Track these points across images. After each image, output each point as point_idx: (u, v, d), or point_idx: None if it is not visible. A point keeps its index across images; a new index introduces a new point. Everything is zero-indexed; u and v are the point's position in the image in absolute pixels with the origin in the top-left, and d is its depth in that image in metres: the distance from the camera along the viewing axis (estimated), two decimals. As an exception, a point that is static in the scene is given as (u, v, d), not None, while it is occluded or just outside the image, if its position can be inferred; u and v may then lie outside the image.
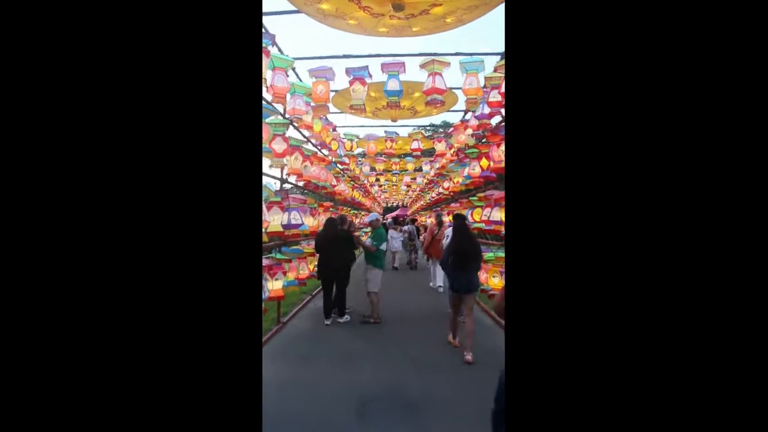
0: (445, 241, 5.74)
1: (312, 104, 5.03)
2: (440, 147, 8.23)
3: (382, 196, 23.10)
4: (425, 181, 13.64)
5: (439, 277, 7.68)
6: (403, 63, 4.66)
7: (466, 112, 7.12)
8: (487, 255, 5.68)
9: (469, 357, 4.09)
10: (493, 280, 5.08)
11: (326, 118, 7.09)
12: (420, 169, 13.13)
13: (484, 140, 6.14)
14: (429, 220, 13.35)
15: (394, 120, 6.76)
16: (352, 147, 8.41)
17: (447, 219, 10.61)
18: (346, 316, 5.87)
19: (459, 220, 4.57)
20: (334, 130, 8.22)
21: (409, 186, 16.91)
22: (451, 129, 7.75)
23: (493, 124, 5.25)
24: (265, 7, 2.90)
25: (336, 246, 5.64)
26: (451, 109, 7.12)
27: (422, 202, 16.69)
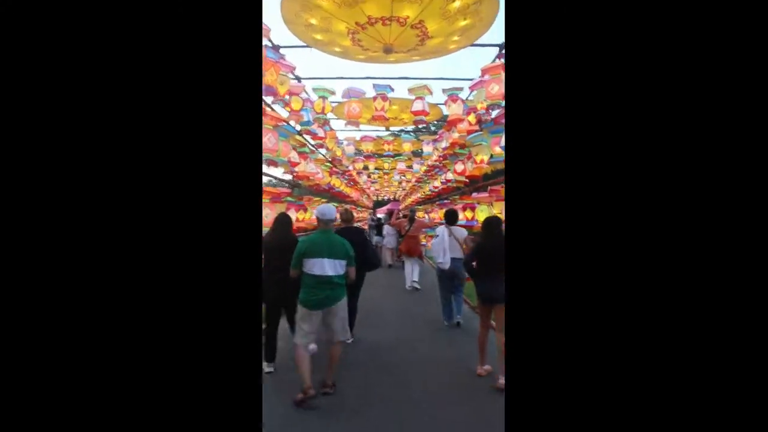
0: (436, 241, 4.95)
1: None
2: (454, 109, 5.54)
3: (372, 188, 20.35)
4: (424, 168, 10.97)
5: (409, 275, 7.37)
6: None
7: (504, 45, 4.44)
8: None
9: (503, 381, 3.10)
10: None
11: (272, 46, 4.35)
12: (419, 153, 10.42)
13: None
14: (430, 215, 10.73)
15: (387, 52, 4.06)
16: (324, 109, 5.67)
17: (436, 216, 8.61)
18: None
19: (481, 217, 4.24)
20: (298, 80, 5.49)
21: (403, 174, 14.19)
22: (475, 82, 5.06)
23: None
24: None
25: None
26: (475, 42, 4.45)
27: (419, 195, 13.99)
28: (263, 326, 3.52)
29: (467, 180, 6.49)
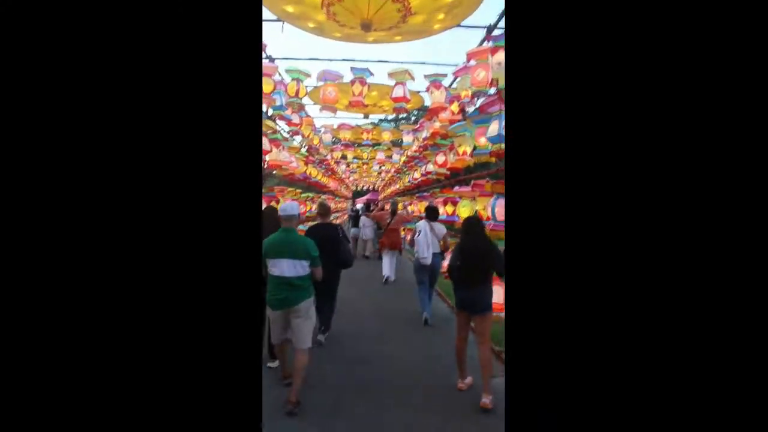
0: (418, 237, 4.92)
1: None
2: (437, 97, 5.22)
3: (351, 178, 19.95)
4: (403, 159, 10.66)
5: (387, 268, 7.32)
6: None
7: (493, 27, 4.12)
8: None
9: (486, 400, 2.87)
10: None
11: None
12: (399, 143, 10.08)
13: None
14: (409, 207, 10.45)
15: (365, 28, 3.70)
16: (298, 92, 5.27)
17: (415, 209, 8.67)
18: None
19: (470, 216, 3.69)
20: (270, 60, 5.09)
21: (382, 164, 13.84)
22: (460, 68, 4.75)
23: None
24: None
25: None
26: (462, 23, 4.13)
27: (398, 186, 13.69)
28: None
29: (448, 173, 6.21)
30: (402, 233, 7.70)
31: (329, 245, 3.50)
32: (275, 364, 3.47)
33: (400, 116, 8.34)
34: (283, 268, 2.87)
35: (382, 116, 8.50)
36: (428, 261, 4.86)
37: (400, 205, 11.17)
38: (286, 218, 3.01)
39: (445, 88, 5.25)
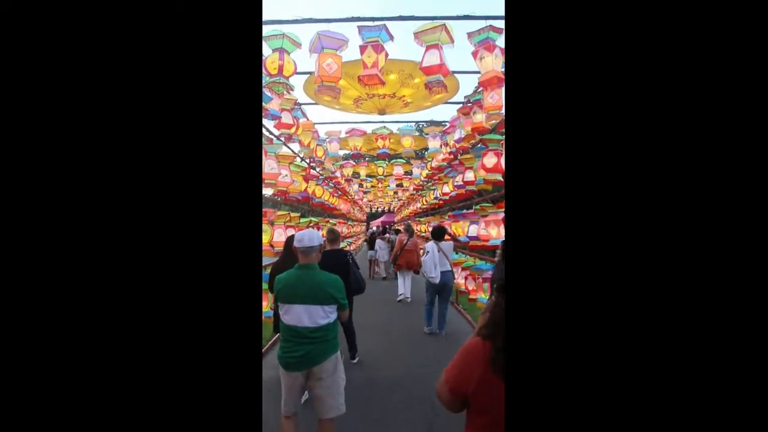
0: (427, 257, 5.15)
1: None
2: (489, 64, 3.46)
3: (365, 199, 18.22)
4: (425, 172, 8.91)
5: (405, 288, 7.41)
6: None
7: None
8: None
9: None
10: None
11: None
12: (422, 154, 8.35)
13: None
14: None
15: None
16: (282, 68, 3.57)
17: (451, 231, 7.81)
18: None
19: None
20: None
21: (400, 182, 12.09)
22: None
23: None
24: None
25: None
26: None
27: (420, 205, 11.87)
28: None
29: (502, 180, 4.40)
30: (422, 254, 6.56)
31: (340, 273, 3.25)
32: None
33: (426, 123, 6.59)
34: (300, 315, 2.28)
35: (402, 117, 6.77)
36: (436, 280, 5.07)
37: (423, 226, 9.62)
38: (304, 251, 2.35)
39: (501, 49, 3.50)
